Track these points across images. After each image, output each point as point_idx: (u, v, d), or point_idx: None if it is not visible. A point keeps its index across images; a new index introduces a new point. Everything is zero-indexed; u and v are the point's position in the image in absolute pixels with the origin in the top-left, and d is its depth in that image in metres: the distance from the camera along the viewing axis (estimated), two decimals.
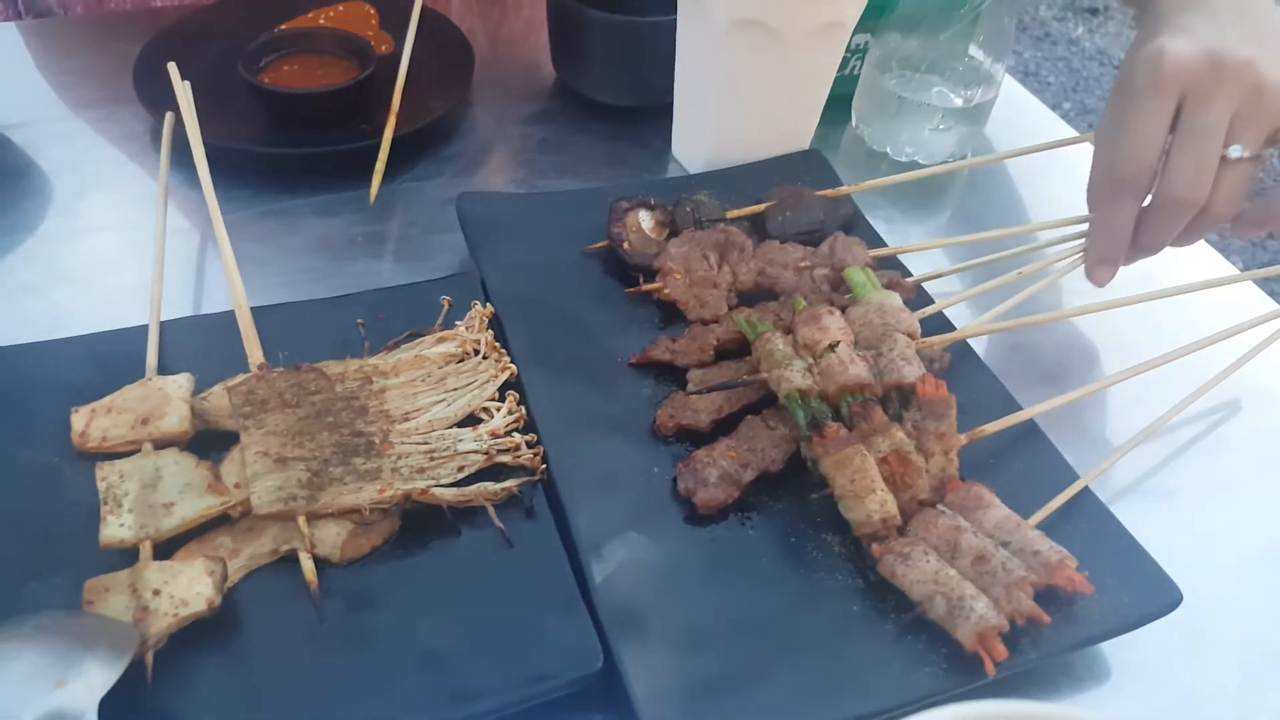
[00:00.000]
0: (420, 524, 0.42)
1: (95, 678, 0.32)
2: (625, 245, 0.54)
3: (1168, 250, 0.51)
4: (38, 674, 0.32)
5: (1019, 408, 0.48)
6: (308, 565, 0.40)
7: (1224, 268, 0.63)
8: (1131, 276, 0.53)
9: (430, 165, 0.63)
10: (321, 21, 0.69)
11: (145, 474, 0.41)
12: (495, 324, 0.50)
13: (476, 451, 0.43)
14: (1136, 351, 0.51)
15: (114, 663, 0.33)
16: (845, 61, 0.68)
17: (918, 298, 0.53)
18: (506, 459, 0.44)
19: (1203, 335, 0.51)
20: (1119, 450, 0.47)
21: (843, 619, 0.40)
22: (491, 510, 0.42)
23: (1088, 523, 0.44)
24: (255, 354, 0.46)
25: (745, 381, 0.47)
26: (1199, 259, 0.62)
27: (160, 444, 0.43)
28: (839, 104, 0.67)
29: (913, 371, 0.45)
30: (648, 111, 0.68)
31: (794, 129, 0.61)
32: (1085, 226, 0.53)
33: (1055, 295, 0.57)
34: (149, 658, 0.36)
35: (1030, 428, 0.48)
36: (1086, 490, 0.45)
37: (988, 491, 0.43)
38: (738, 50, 0.56)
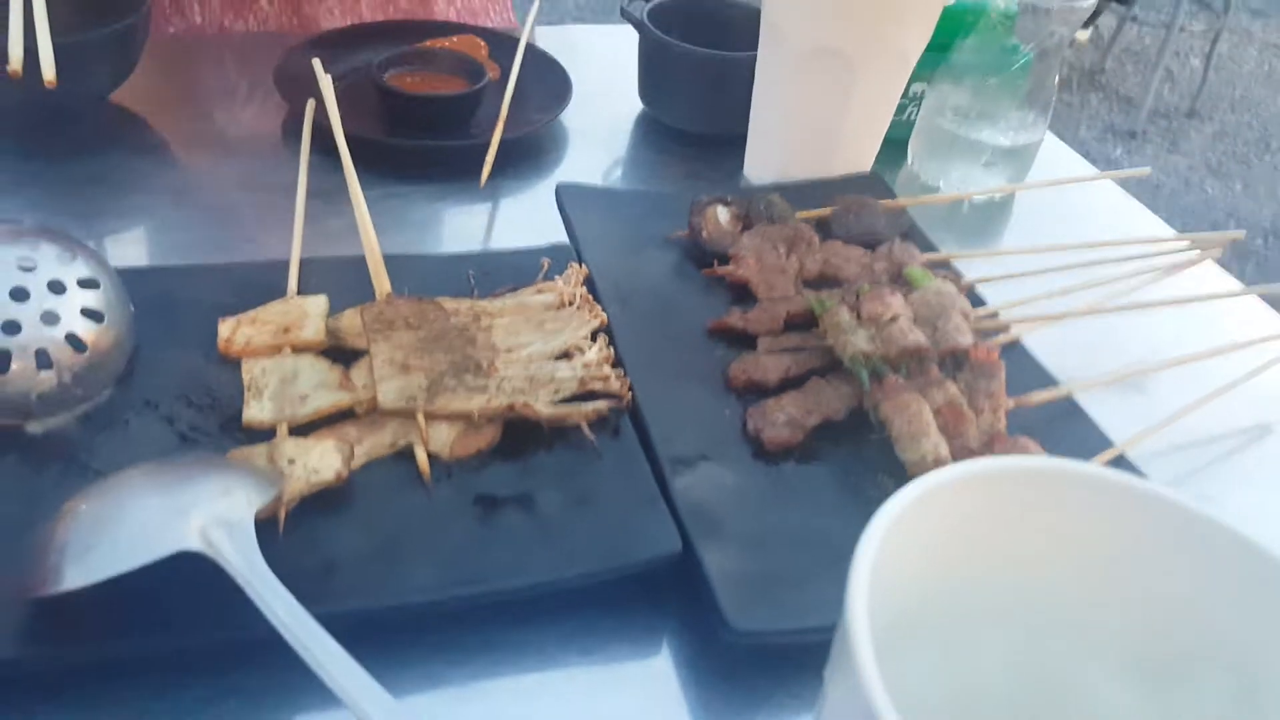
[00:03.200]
0: (520, 435, 0.47)
1: (253, 495, 0.37)
2: (704, 234, 0.60)
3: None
4: (206, 484, 0.37)
5: (1057, 385, 0.52)
6: (422, 456, 0.45)
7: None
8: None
9: (528, 169, 0.70)
10: (439, 48, 0.77)
11: (284, 370, 0.47)
12: (589, 283, 0.55)
13: (571, 378, 0.49)
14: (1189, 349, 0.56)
15: (266, 490, 0.38)
16: (903, 108, 0.75)
17: (971, 299, 0.58)
18: (598, 387, 0.49)
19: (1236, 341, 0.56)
20: (1160, 424, 0.51)
21: None
22: (584, 425, 0.47)
23: None
24: (384, 286, 0.52)
25: (812, 347, 0.53)
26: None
27: (298, 350, 0.49)
28: (897, 146, 0.75)
29: (966, 339, 0.50)
30: (723, 139, 0.75)
31: (858, 151, 0.68)
32: (1134, 249, 0.59)
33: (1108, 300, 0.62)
34: (281, 514, 0.41)
35: (1072, 406, 0.52)
36: (1125, 461, 0.49)
37: (1033, 443, 0.47)
38: (811, 74, 0.64)
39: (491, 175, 0.67)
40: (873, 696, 0.19)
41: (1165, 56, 2.95)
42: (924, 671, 0.24)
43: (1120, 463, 0.49)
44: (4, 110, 0.66)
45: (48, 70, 0.57)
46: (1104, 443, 0.50)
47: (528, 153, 0.72)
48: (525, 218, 0.66)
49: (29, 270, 0.44)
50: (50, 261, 0.45)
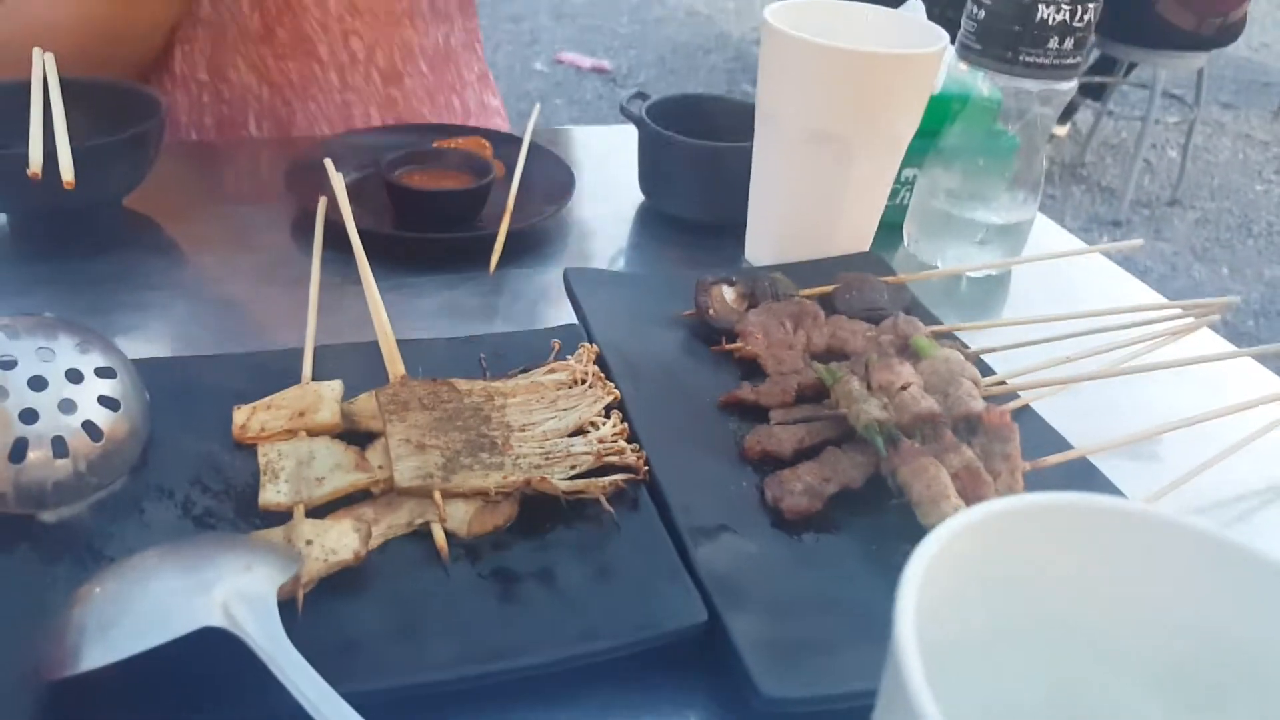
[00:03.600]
0: (537, 511, 0.47)
1: (275, 571, 0.37)
2: (711, 312, 0.61)
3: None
4: (227, 560, 0.37)
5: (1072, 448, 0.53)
6: (439, 534, 0.44)
7: None
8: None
9: (534, 259, 0.72)
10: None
11: (300, 453, 0.47)
12: (600, 362, 0.56)
13: (587, 453, 0.49)
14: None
15: (286, 567, 0.38)
16: (896, 192, 0.78)
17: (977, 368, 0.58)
18: (614, 461, 0.49)
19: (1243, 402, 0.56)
20: (1173, 483, 0.51)
21: None
22: (602, 498, 0.47)
23: None
24: (397, 369, 0.52)
25: (826, 416, 0.53)
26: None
27: (313, 433, 0.49)
28: (892, 229, 0.76)
29: (978, 404, 0.50)
30: (722, 226, 0.77)
31: (856, 232, 0.70)
32: (1133, 316, 0.60)
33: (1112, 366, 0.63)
34: (300, 595, 0.40)
35: (1087, 467, 0.52)
36: None
37: None
38: (807, 159, 0.66)
39: (500, 265, 0.68)
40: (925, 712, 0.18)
41: (1143, 149, 3.05)
42: (965, 697, 0.24)
43: None
44: (22, 213, 0.67)
45: (66, 172, 0.59)
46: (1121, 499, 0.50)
47: (534, 243, 0.73)
48: (534, 304, 0.67)
49: (47, 360, 0.45)
50: (68, 351, 0.46)
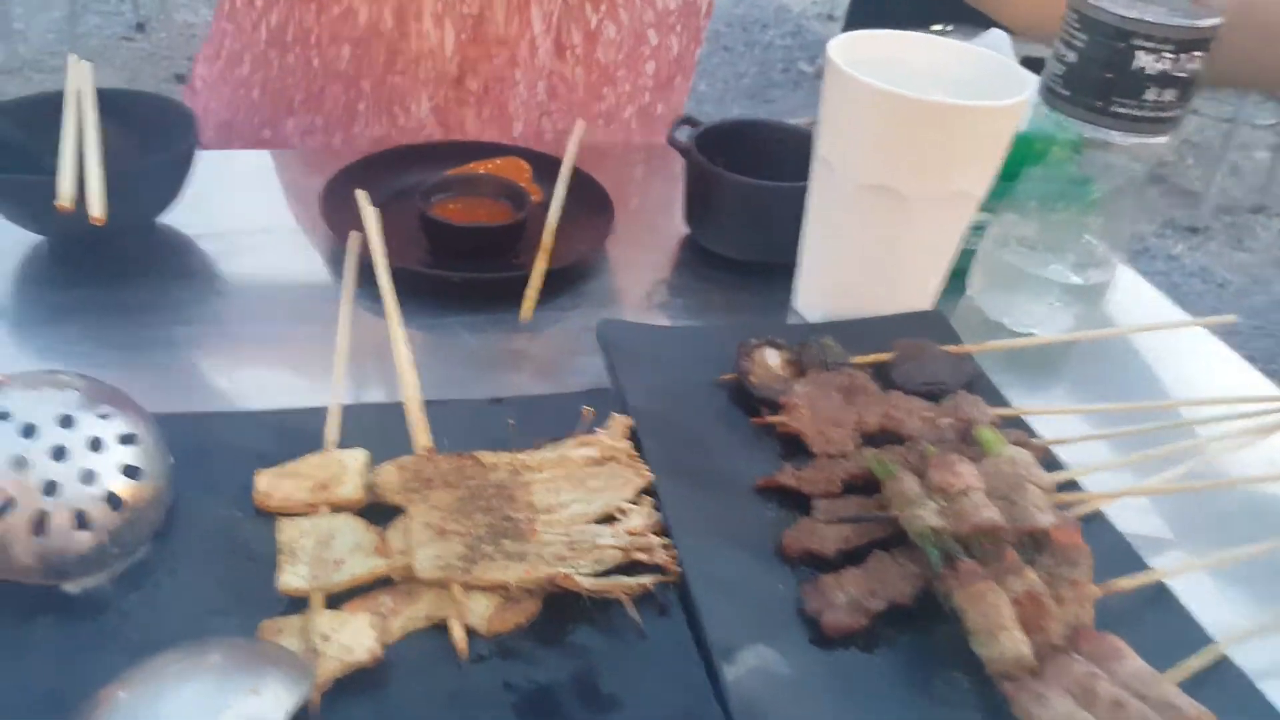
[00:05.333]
0: (560, 609, 0.44)
1: (283, 693, 0.35)
2: (752, 378, 0.58)
3: None
4: (235, 680, 0.35)
5: (1148, 568, 0.48)
6: (459, 632, 0.42)
7: None
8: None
9: (570, 299, 0.69)
10: (482, 171, 0.77)
11: (320, 532, 0.45)
12: (633, 435, 0.53)
13: (614, 547, 0.46)
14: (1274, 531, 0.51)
15: (298, 685, 0.36)
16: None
17: (1046, 461, 0.54)
18: (642, 557, 0.46)
19: None
20: (1260, 623, 0.47)
21: None
22: (628, 602, 0.44)
23: (1229, 694, 0.43)
24: (423, 439, 0.50)
25: (876, 516, 0.49)
26: None
27: (335, 509, 0.46)
28: (955, 278, 0.71)
29: (1046, 518, 0.46)
30: (769, 267, 0.72)
31: (916, 290, 0.65)
32: (1221, 409, 0.55)
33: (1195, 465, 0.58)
34: (315, 698, 0.38)
35: (1161, 590, 0.48)
36: (1227, 661, 0.44)
37: (1123, 643, 0.43)
38: (866, 212, 0.61)
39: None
40: None
41: (1230, 149, 2.90)
42: None
43: (1223, 664, 0.44)
44: (52, 234, 0.66)
45: (95, 208, 0.57)
46: (1202, 638, 0.45)
47: (569, 280, 0.70)
48: (566, 351, 0.64)
49: (69, 428, 0.43)
50: (90, 418, 0.44)
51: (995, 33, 0.68)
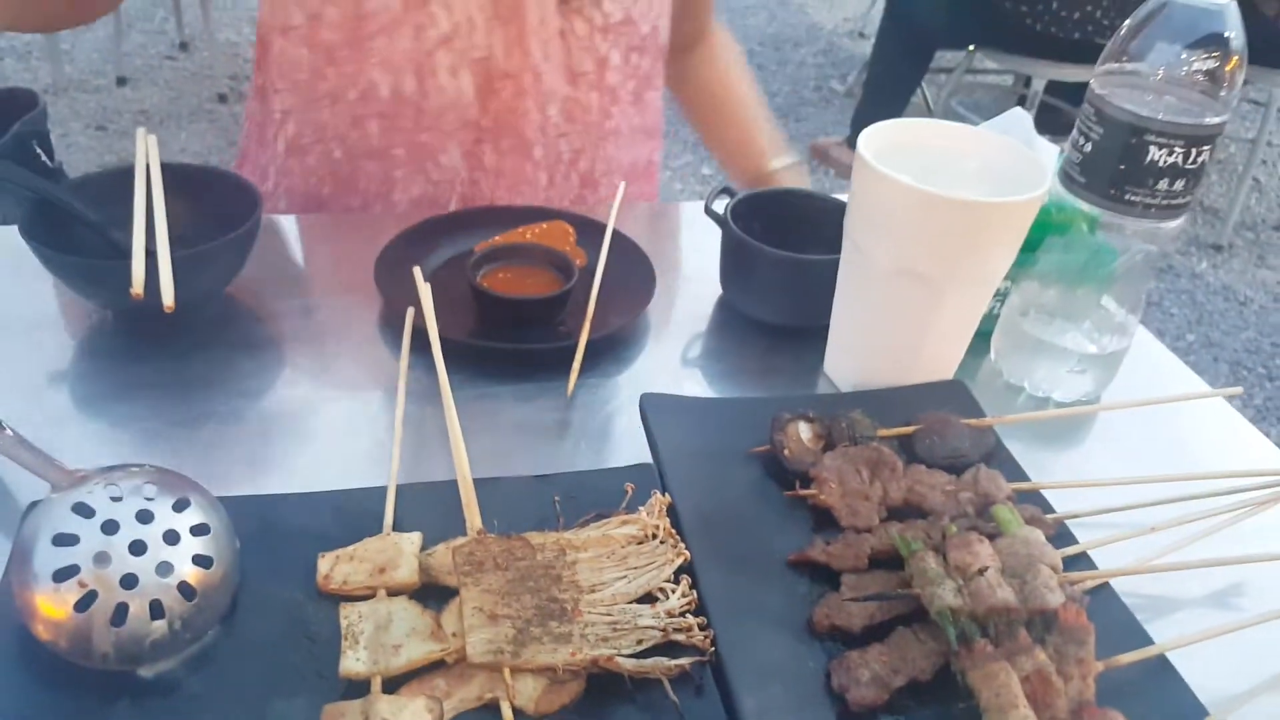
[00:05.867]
0: (603, 688, 0.47)
1: None
2: (785, 452, 0.61)
3: None
4: None
5: (1150, 641, 0.51)
6: (509, 713, 0.45)
7: None
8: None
9: (613, 365, 0.72)
10: (529, 236, 0.81)
11: (379, 616, 0.49)
12: (671, 511, 0.56)
13: (655, 628, 0.49)
14: (1271, 601, 0.54)
15: None
16: None
17: (1059, 533, 0.57)
18: (680, 638, 0.49)
19: None
20: (1258, 687, 0.49)
21: None
22: (667, 684, 0.47)
23: None
24: (475, 521, 0.53)
25: (899, 594, 0.52)
26: None
27: (392, 591, 0.50)
28: (978, 339, 0.74)
29: (1055, 599, 0.49)
30: (802, 331, 0.76)
31: (939, 362, 0.68)
32: (1222, 483, 0.57)
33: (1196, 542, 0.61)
34: None
35: (1161, 662, 0.51)
36: None
37: (1122, 718, 0.46)
38: (894, 292, 0.64)
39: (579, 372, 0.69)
40: None
41: (1253, 167, 2.90)
42: None
43: None
44: (123, 309, 0.70)
45: (167, 296, 0.61)
46: (1199, 710, 0.48)
47: (611, 346, 0.74)
48: (609, 417, 0.67)
49: (146, 523, 0.47)
50: (166, 511, 0.48)
51: (1017, 111, 0.71)
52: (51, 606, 0.44)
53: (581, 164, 0.96)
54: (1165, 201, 0.62)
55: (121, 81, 3.18)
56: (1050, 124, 2.85)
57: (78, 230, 0.71)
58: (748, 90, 1.10)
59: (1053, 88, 2.72)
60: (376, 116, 0.88)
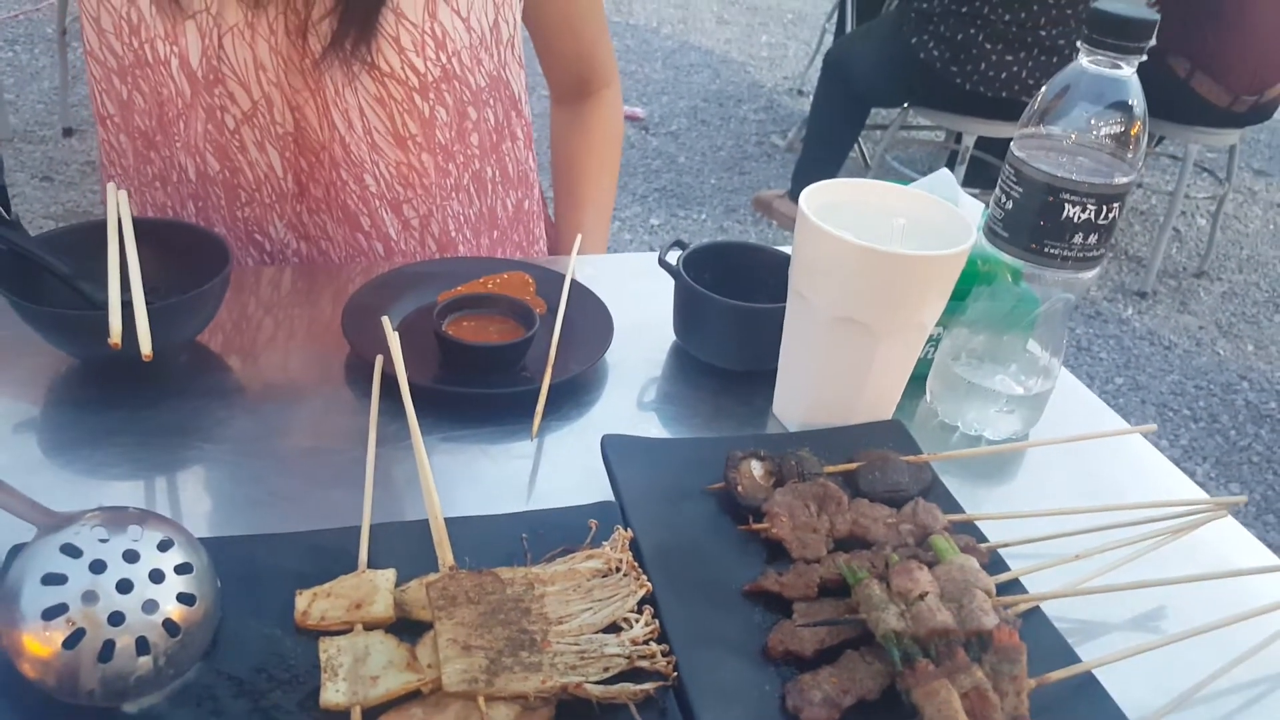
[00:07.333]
0: (573, 713, 0.50)
1: None
2: (739, 488, 0.65)
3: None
4: None
5: (1078, 659, 0.55)
6: None
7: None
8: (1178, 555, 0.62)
9: (574, 409, 0.76)
10: (490, 286, 0.84)
11: (357, 649, 0.51)
12: (633, 546, 0.59)
13: (620, 655, 0.52)
14: (1188, 620, 0.59)
15: None
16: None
17: (992, 561, 0.62)
18: (644, 664, 0.52)
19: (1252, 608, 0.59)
20: (1180, 698, 0.54)
21: None
22: (633, 708, 0.50)
23: None
24: (447, 557, 0.56)
25: (846, 620, 0.56)
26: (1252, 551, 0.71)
27: (368, 626, 0.52)
28: (915, 382, 0.79)
29: (990, 620, 0.53)
30: (751, 375, 0.80)
31: (879, 402, 0.73)
32: (1141, 513, 0.63)
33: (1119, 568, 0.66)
34: None
35: (1089, 679, 0.55)
36: None
37: None
38: (836, 338, 0.69)
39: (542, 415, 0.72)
40: None
41: (1173, 218, 3.06)
42: None
43: None
44: (95, 359, 0.72)
45: (145, 346, 0.63)
46: None
47: (572, 390, 0.77)
48: (572, 458, 0.71)
49: (132, 562, 0.49)
50: (151, 550, 0.50)
51: (943, 173, 0.77)
52: (40, 644, 0.46)
53: (434, 226, 0.97)
54: (1081, 254, 0.68)
55: (68, 132, 3.17)
56: (980, 177, 2.99)
57: (46, 281, 0.72)
58: (595, 171, 1.12)
59: (982, 143, 2.86)
60: (192, 197, 0.92)
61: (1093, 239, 0.68)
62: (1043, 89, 0.70)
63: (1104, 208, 0.67)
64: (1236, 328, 2.95)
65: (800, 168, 3.15)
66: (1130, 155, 0.68)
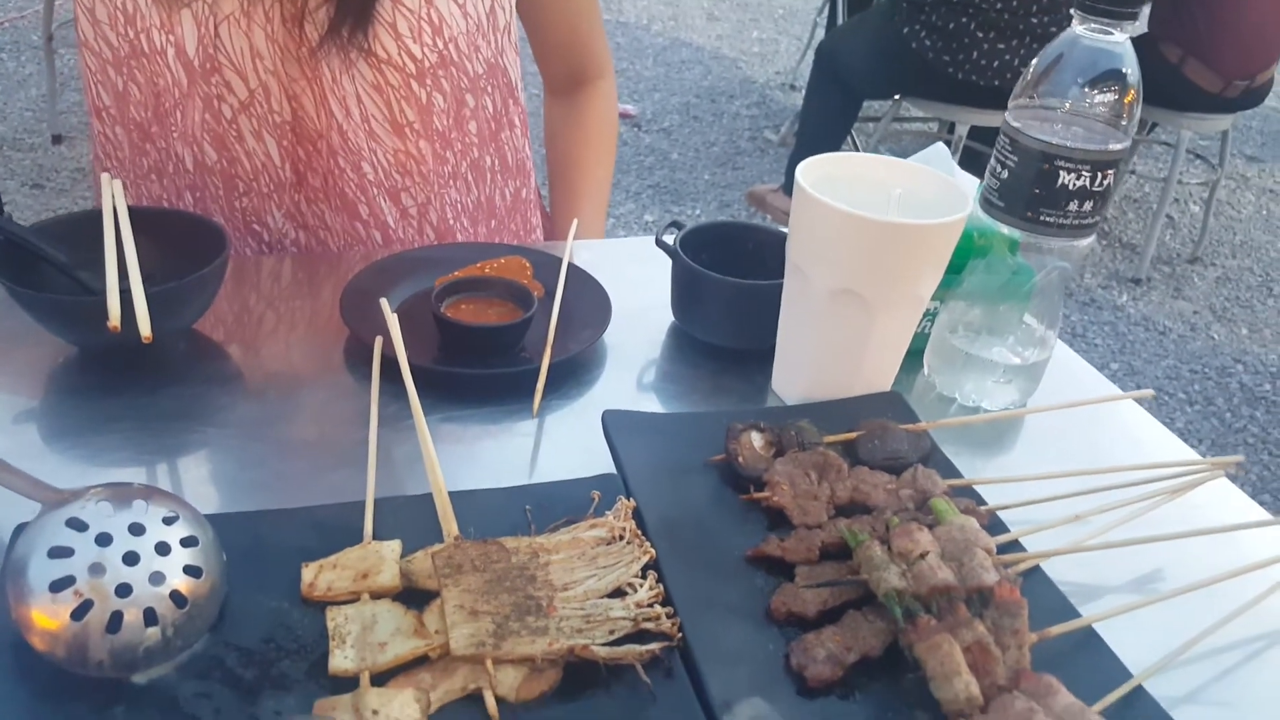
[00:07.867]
0: (579, 676, 0.50)
1: None
2: (740, 459, 0.65)
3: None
4: None
5: (1078, 615, 0.56)
6: (491, 701, 0.48)
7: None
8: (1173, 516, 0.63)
9: (574, 388, 0.76)
10: (488, 270, 0.84)
11: (364, 618, 0.51)
12: (636, 515, 0.60)
13: (625, 618, 0.53)
14: (1185, 578, 0.60)
15: None
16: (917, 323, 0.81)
17: (991, 523, 0.62)
18: (650, 626, 0.53)
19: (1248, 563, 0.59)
20: (1176, 651, 0.54)
21: None
22: (639, 668, 0.50)
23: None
24: (451, 528, 0.56)
25: (848, 581, 0.56)
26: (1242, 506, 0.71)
27: (375, 595, 0.53)
28: (912, 356, 0.80)
29: (990, 577, 0.54)
30: (750, 353, 0.81)
31: (877, 375, 0.74)
32: (1141, 474, 0.63)
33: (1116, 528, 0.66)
34: None
35: (1090, 633, 0.56)
36: (1144, 692, 0.52)
37: (1056, 681, 0.50)
38: (834, 311, 0.70)
39: (542, 393, 0.72)
40: None
41: (1166, 206, 3.07)
42: None
43: (1139, 694, 0.52)
44: (94, 346, 0.72)
45: (144, 327, 0.63)
46: (1124, 674, 0.53)
47: (571, 370, 0.78)
48: (573, 436, 0.71)
49: (139, 535, 0.49)
50: (157, 524, 0.50)
51: (938, 147, 0.78)
52: (48, 617, 0.46)
53: (432, 214, 0.96)
54: (1076, 221, 0.69)
55: (57, 139, 3.17)
56: (973, 166, 2.99)
57: (44, 271, 0.73)
58: (591, 163, 1.11)
59: (975, 133, 2.86)
60: (189, 188, 0.92)
61: (1088, 205, 0.68)
62: (1034, 60, 0.71)
63: (1099, 174, 0.67)
64: (1230, 312, 2.96)
65: (793, 162, 3.15)
66: (1124, 122, 0.69)
